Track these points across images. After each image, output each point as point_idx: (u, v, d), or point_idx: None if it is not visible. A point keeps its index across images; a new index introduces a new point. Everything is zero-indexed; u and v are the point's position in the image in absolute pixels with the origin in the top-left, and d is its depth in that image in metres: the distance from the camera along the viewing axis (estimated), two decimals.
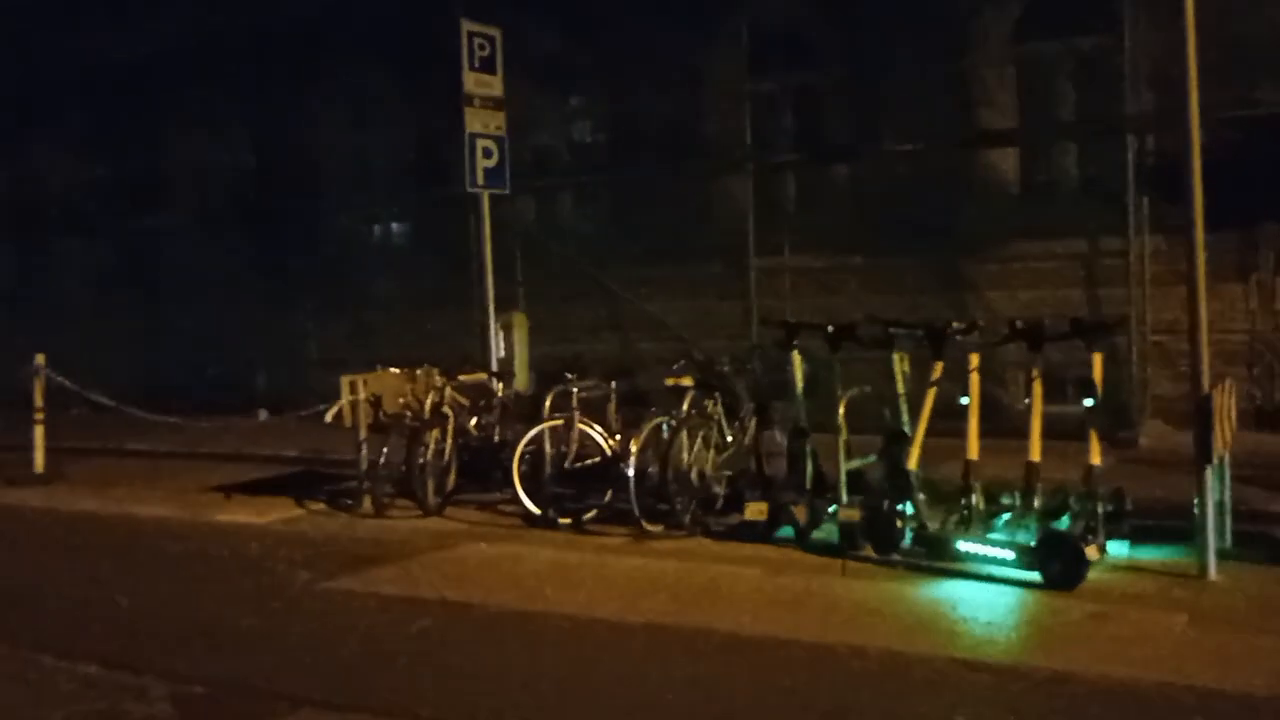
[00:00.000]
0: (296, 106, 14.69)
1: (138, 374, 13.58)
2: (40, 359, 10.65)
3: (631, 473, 7.38)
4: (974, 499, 6.36)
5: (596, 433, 7.96)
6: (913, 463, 6.52)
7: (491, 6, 10.23)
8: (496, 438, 8.79)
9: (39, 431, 10.54)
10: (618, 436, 7.89)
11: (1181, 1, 5.98)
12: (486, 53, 9.92)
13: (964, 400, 6.44)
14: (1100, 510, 6.24)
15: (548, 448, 8.12)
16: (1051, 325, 6.51)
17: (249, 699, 4.82)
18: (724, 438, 7.79)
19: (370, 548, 7.49)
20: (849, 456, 6.96)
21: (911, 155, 10.85)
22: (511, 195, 10.55)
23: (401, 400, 8.66)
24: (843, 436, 6.92)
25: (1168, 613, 5.46)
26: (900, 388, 6.91)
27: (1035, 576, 5.91)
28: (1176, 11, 6.02)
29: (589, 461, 8.02)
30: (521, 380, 10.13)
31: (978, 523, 6.33)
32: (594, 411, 8.15)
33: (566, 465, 8.08)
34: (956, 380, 6.47)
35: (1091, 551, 6.00)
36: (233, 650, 5.55)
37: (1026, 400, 6.37)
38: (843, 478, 6.92)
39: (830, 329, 7.11)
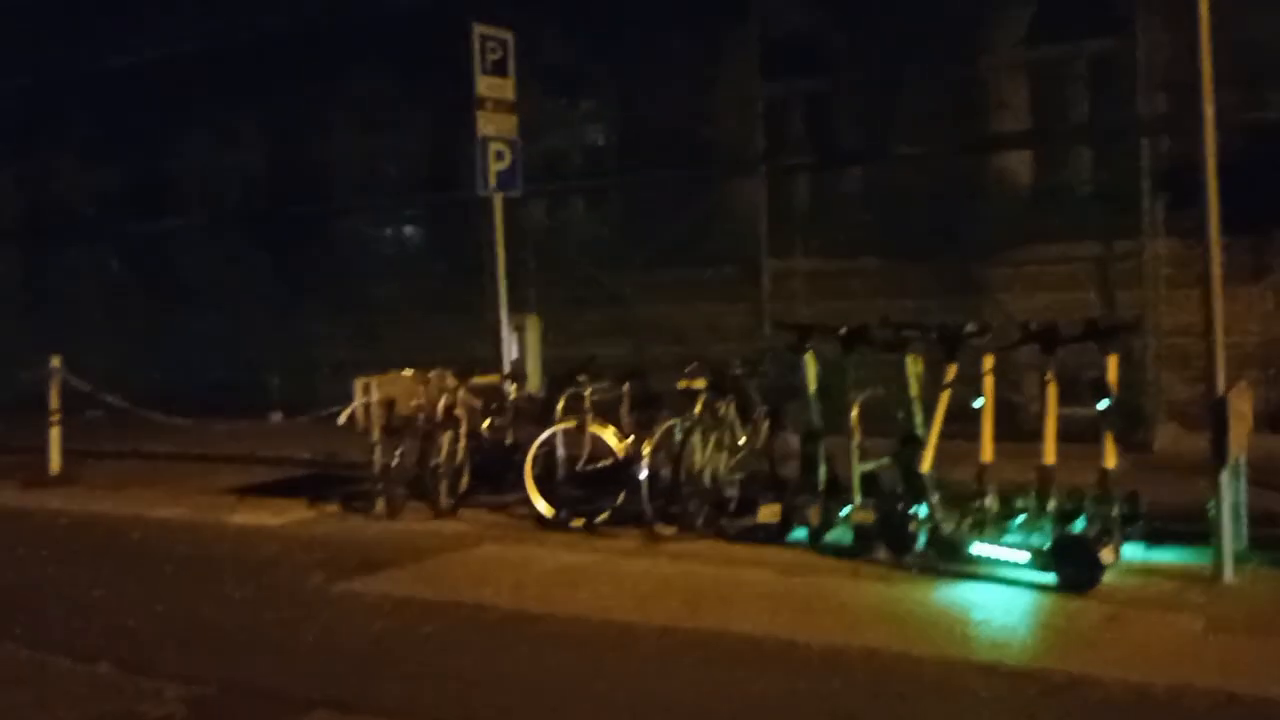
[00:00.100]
0: (307, 110, 14.73)
1: (152, 376, 13.63)
2: (56, 362, 10.71)
3: (644, 475, 7.39)
4: (988, 502, 6.35)
5: (609, 435, 7.96)
6: (926, 465, 6.50)
7: (504, 10, 10.25)
8: (509, 440, 8.80)
9: (55, 434, 10.59)
10: (630, 439, 7.89)
11: (1194, 4, 5.96)
12: (499, 56, 9.94)
13: (978, 403, 6.43)
14: (1115, 513, 6.21)
15: (560, 450, 8.13)
16: (1066, 328, 6.49)
17: (262, 701, 4.83)
18: (737, 440, 7.78)
19: (383, 550, 7.50)
20: (862, 459, 6.95)
21: (924, 159, 10.82)
22: (524, 198, 10.56)
23: (414, 403, 8.68)
24: (856, 439, 6.91)
25: (1183, 616, 5.44)
26: (914, 390, 6.90)
27: (1050, 579, 5.90)
28: (1189, 14, 6.01)
29: (601, 464, 8.03)
30: (534, 382, 10.14)
31: (992, 525, 6.31)
32: (606, 414, 8.15)
33: (579, 467, 8.10)
34: (970, 383, 6.46)
35: (1106, 554, 5.97)
36: (246, 652, 5.56)
37: (1041, 403, 6.35)
38: (856, 480, 6.91)
39: (843, 331, 7.10)
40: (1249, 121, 8.83)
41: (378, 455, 8.57)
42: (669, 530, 7.38)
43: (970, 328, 6.69)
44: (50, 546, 8.32)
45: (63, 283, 17.25)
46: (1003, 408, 6.72)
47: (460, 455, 8.54)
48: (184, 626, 6.04)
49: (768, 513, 7.19)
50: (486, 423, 8.90)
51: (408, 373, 8.81)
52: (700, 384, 7.75)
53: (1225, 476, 5.90)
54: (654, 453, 7.47)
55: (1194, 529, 6.25)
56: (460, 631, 5.73)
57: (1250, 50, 8.76)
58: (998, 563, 6.14)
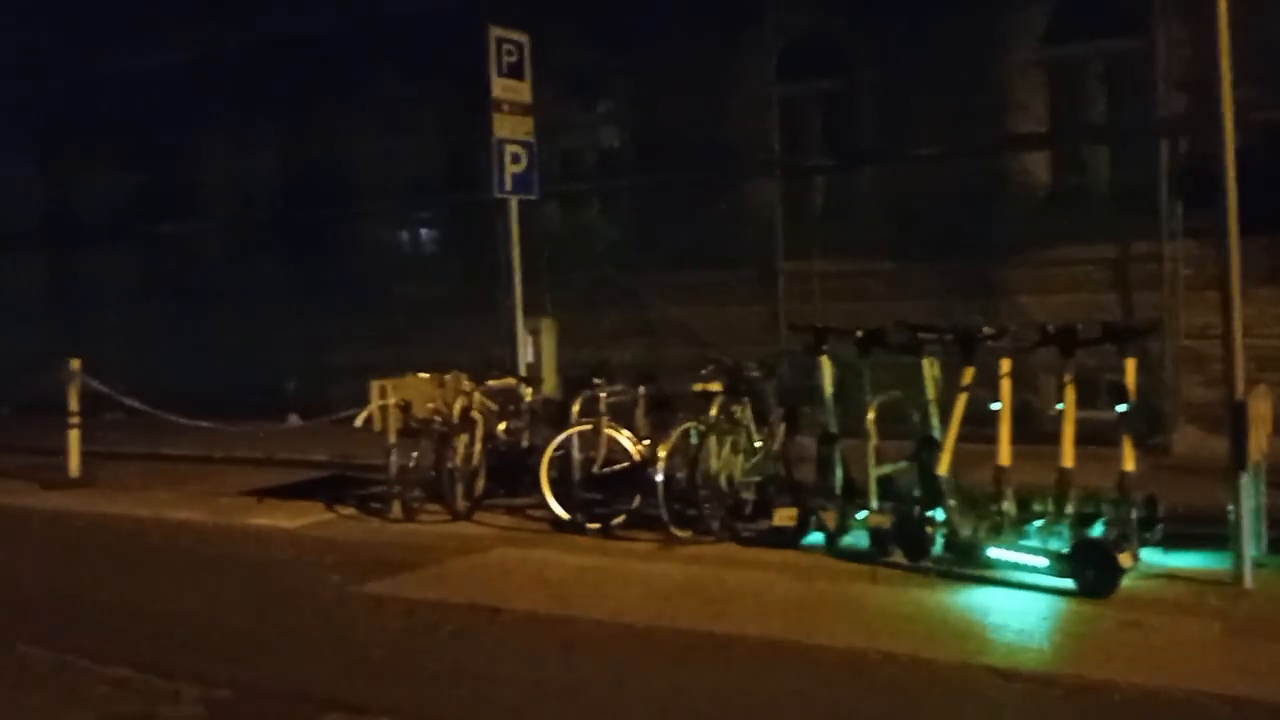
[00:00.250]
0: (326, 114, 14.79)
1: (170, 379, 13.67)
2: (75, 364, 10.77)
3: (660, 478, 7.38)
4: (1006, 505, 6.31)
5: (625, 438, 7.96)
6: (944, 468, 6.48)
7: (520, 12, 10.26)
8: (525, 443, 8.82)
9: (74, 436, 10.65)
10: (646, 441, 7.88)
11: (1213, 3, 5.92)
12: (515, 59, 9.95)
13: (995, 406, 6.40)
14: (1134, 517, 6.17)
15: (576, 453, 8.13)
16: (1084, 330, 6.45)
17: (279, 702, 4.85)
18: (752, 443, 7.77)
19: (400, 552, 7.52)
20: (879, 462, 6.93)
21: (940, 160, 10.80)
22: (539, 200, 10.57)
23: (430, 405, 8.69)
24: (872, 442, 6.89)
25: (1202, 621, 5.41)
26: (930, 393, 6.88)
27: (1068, 584, 5.87)
28: (1208, 13, 5.97)
29: (617, 466, 8.02)
30: (549, 385, 10.15)
31: (1010, 529, 6.28)
32: (622, 416, 8.15)
33: (595, 470, 8.09)
34: (987, 386, 6.43)
35: (1125, 559, 5.93)
36: (264, 654, 5.58)
37: (1059, 406, 6.32)
38: (873, 483, 6.89)
39: (859, 334, 7.09)
40: (1269, 121, 8.76)
41: (394, 458, 8.59)
42: (685, 533, 7.38)
43: (987, 330, 6.67)
44: (69, 548, 8.38)
45: (83, 285, 17.38)
46: (1020, 410, 6.69)
47: (476, 458, 8.55)
48: (202, 628, 6.06)
49: (784, 516, 7.18)
50: (502, 425, 8.91)
51: (424, 375, 8.83)
52: (716, 387, 7.74)
53: (1244, 480, 5.87)
54: (670, 456, 7.46)
55: (1213, 533, 6.22)
56: (476, 634, 5.74)
57: (1270, 49, 8.70)
58: (1015, 567, 6.12)
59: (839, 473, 7.10)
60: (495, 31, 9.84)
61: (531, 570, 6.98)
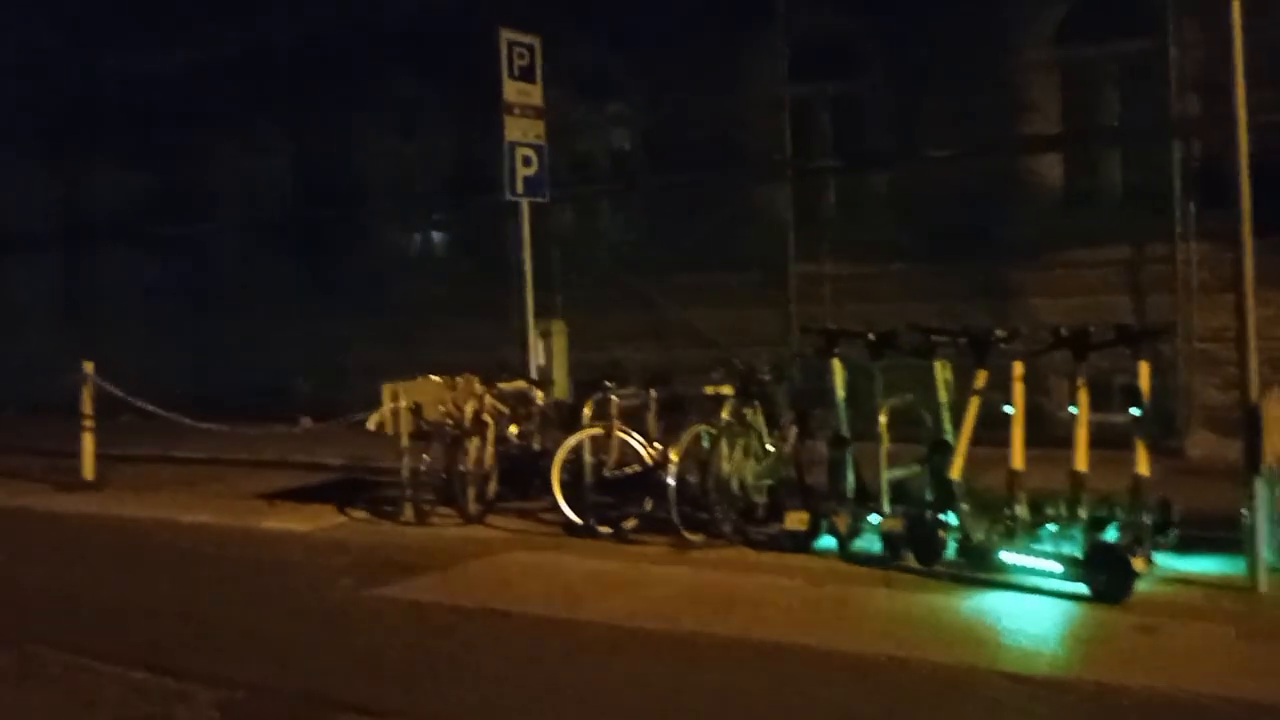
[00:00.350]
0: (339, 117, 14.84)
1: (184, 381, 13.75)
2: (88, 367, 10.81)
3: (672, 481, 7.38)
4: (1019, 509, 6.29)
5: (636, 441, 7.95)
6: (956, 472, 6.46)
7: (532, 14, 10.28)
8: (536, 446, 8.82)
9: (87, 438, 10.70)
10: (657, 445, 7.88)
11: (1227, 4, 5.90)
12: (526, 61, 9.96)
13: (1008, 409, 6.38)
14: (1148, 521, 6.16)
15: (587, 456, 8.13)
16: (1097, 333, 6.43)
17: (292, 704, 4.86)
18: (764, 446, 7.76)
19: (412, 555, 7.53)
20: (891, 465, 6.92)
21: (953, 161, 10.78)
22: (551, 203, 10.59)
23: (442, 408, 8.70)
24: (884, 445, 6.88)
25: (1217, 625, 5.39)
26: (943, 396, 6.86)
27: (1082, 588, 5.84)
28: (1222, 15, 5.94)
29: (629, 470, 8.02)
30: (561, 388, 10.14)
31: (1023, 534, 6.25)
32: (633, 420, 8.14)
33: (606, 473, 8.08)
34: (1000, 389, 6.41)
35: (1139, 563, 5.91)
36: (276, 657, 5.59)
37: (1072, 409, 6.30)
38: (885, 487, 6.87)
39: (871, 337, 7.08)
40: None
41: (406, 461, 8.60)
42: (696, 537, 7.37)
43: (1000, 333, 6.65)
44: (83, 550, 8.41)
45: (94, 287, 17.47)
46: (1033, 414, 6.66)
47: (488, 461, 8.56)
48: (215, 631, 6.08)
49: (795, 520, 7.16)
50: (514, 428, 8.91)
51: (435, 378, 8.84)
52: (727, 389, 7.74)
53: (1259, 484, 5.83)
54: (681, 459, 7.45)
55: (1227, 537, 6.18)
56: (488, 637, 5.74)
57: None
58: (1028, 571, 6.09)
59: (851, 476, 7.09)
60: (506, 34, 9.85)
61: (543, 573, 6.98)
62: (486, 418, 8.67)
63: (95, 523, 9.29)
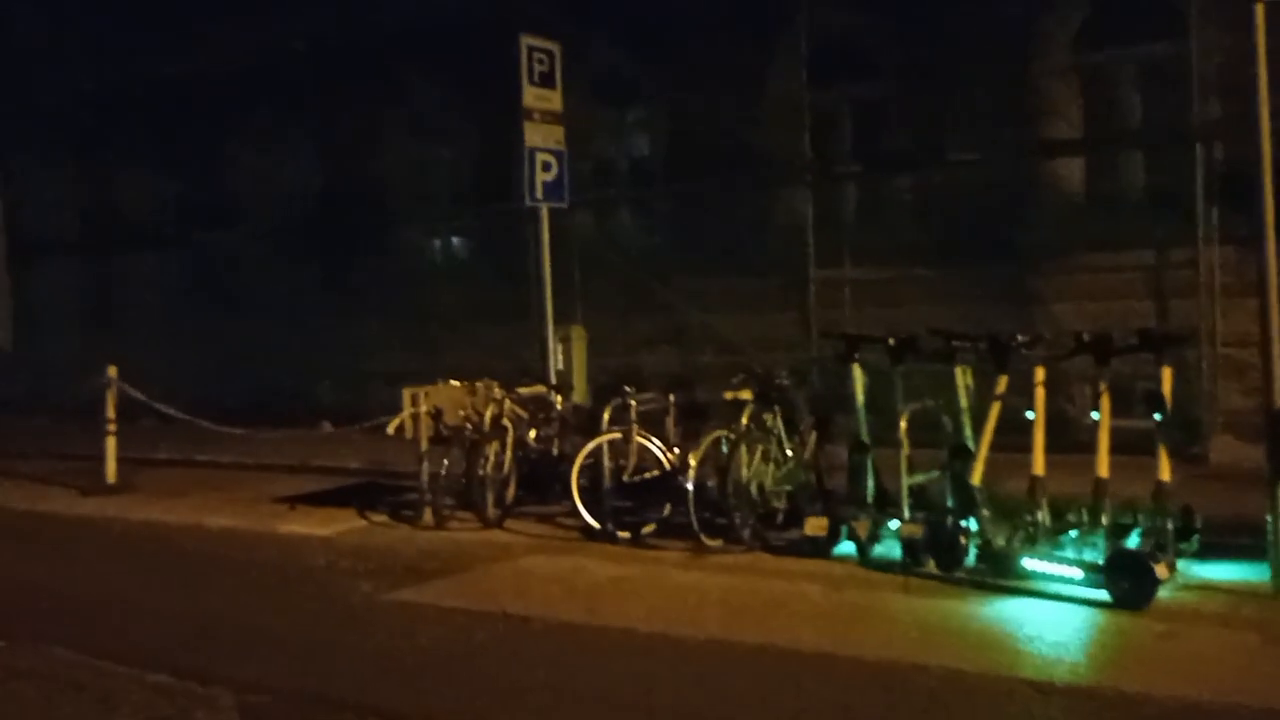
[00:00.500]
0: (361, 123, 14.92)
1: (205, 385, 13.82)
2: (112, 371, 10.90)
3: (690, 486, 7.38)
4: (1040, 515, 6.26)
5: (655, 446, 7.96)
6: (977, 478, 6.44)
7: (552, 20, 10.30)
8: (555, 450, 8.82)
9: (110, 443, 10.77)
10: (676, 450, 7.88)
11: (1250, 7, 5.86)
12: (546, 67, 9.99)
13: (1029, 414, 6.35)
14: (1170, 527, 6.11)
15: (606, 461, 8.13)
16: (1119, 338, 6.39)
17: (314, 708, 4.88)
18: (784, 452, 7.75)
19: (431, 560, 7.55)
20: (911, 471, 6.89)
21: (974, 165, 10.74)
22: (570, 208, 10.61)
23: (462, 413, 8.74)
24: (904, 451, 6.85)
25: (1240, 632, 5.35)
26: (963, 402, 6.82)
27: (1104, 595, 5.81)
28: (1245, 18, 5.91)
29: (648, 475, 8.03)
30: (580, 393, 10.16)
31: (1044, 540, 6.22)
32: (652, 424, 8.15)
33: (625, 478, 8.10)
34: (1021, 394, 6.38)
35: (1161, 569, 5.87)
36: (297, 660, 5.62)
37: (1094, 414, 6.26)
38: (905, 493, 6.84)
39: (891, 342, 7.05)
40: None
41: (425, 465, 8.63)
42: (715, 542, 7.36)
43: (1021, 338, 6.62)
44: (106, 554, 8.47)
45: (121, 293, 17.60)
46: (1055, 419, 6.63)
47: (507, 466, 8.57)
48: (236, 634, 6.11)
49: (815, 525, 7.15)
50: (533, 433, 8.92)
51: (455, 383, 8.87)
52: (747, 395, 7.73)
53: None
54: (700, 464, 7.45)
55: (1250, 543, 6.15)
56: (507, 642, 5.75)
57: None
58: (1050, 578, 6.06)
59: (871, 482, 7.07)
60: (527, 40, 9.88)
61: (562, 578, 6.99)
62: (506, 422, 8.70)
63: (117, 526, 9.35)
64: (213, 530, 8.99)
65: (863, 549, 6.94)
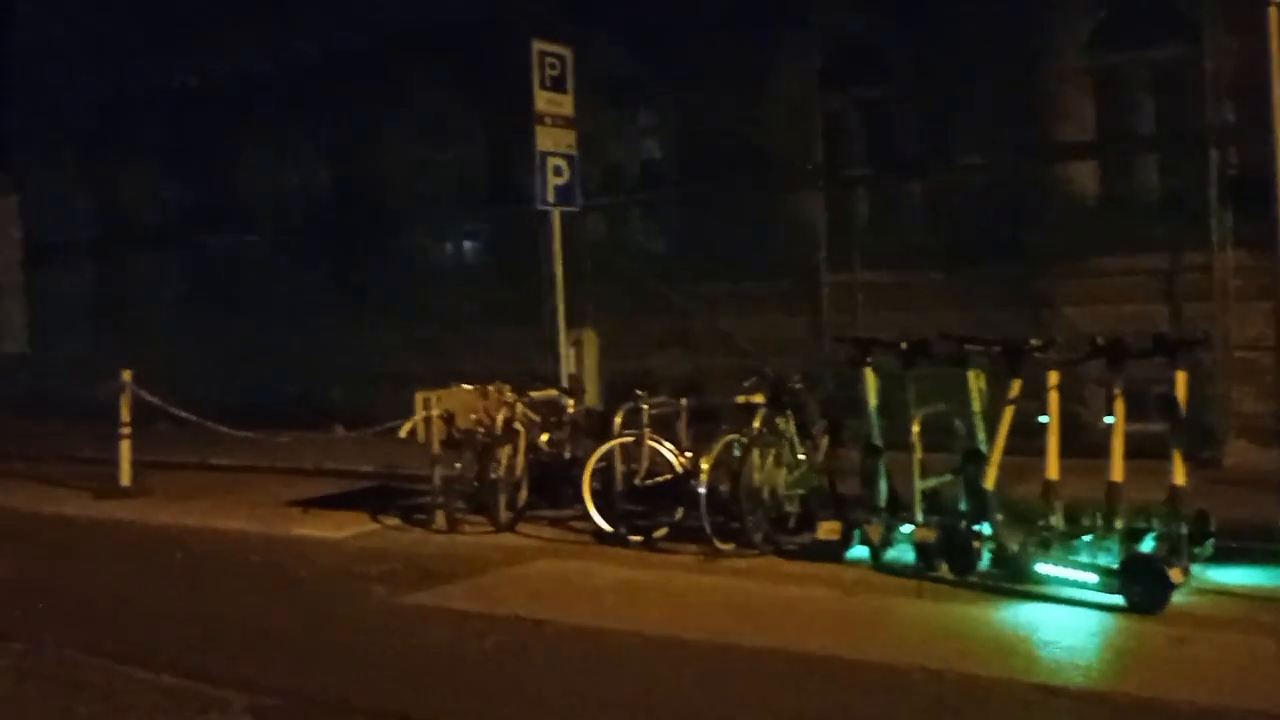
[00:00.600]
0: (371, 126, 14.95)
1: (216, 388, 13.86)
2: (126, 375, 10.94)
3: (703, 490, 7.37)
4: (1054, 520, 6.24)
5: (667, 450, 7.95)
6: (990, 482, 6.42)
7: (562, 24, 10.32)
8: (567, 454, 8.82)
9: (124, 446, 10.81)
10: (689, 454, 7.88)
11: (1263, 10, 5.85)
12: (557, 72, 10.01)
13: (1043, 419, 6.33)
14: (1184, 532, 6.08)
15: (618, 465, 8.14)
16: (1133, 342, 6.37)
17: (326, 712, 4.90)
18: (796, 455, 7.74)
19: (443, 563, 7.56)
20: (924, 475, 6.88)
21: (986, 168, 10.71)
22: (582, 212, 10.61)
23: (474, 416, 8.74)
24: (917, 455, 6.84)
25: (1255, 637, 5.32)
26: (976, 406, 6.81)
27: (1118, 600, 5.79)
28: (1258, 20, 5.89)
29: (660, 479, 8.02)
30: (592, 397, 10.16)
31: (1058, 544, 6.20)
32: (665, 428, 8.15)
33: (637, 482, 8.09)
34: (1035, 398, 6.36)
35: (1175, 574, 5.84)
36: (310, 664, 5.63)
37: (1107, 419, 6.24)
38: (918, 497, 6.83)
39: (904, 346, 7.03)
40: None
41: (438, 469, 8.64)
42: (728, 546, 7.35)
43: (1034, 342, 6.60)
44: (119, 557, 8.51)
45: (133, 296, 17.66)
46: (1068, 423, 6.61)
47: (519, 469, 8.58)
48: (250, 637, 6.13)
49: (827, 530, 7.14)
50: (545, 437, 8.93)
51: (467, 387, 8.88)
52: (759, 398, 7.72)
53: None
54: (713, 468, 7.43)
55: (1265, 548, 6.13)
56: (519, 645, 5.75)
57: None
58: (1064, 582, 6.04)
59: (883, 486, 7.05)
60: (538, 45, 9.90)
61: (574, 582, 6.99)
62: (518, 426, 8.70)
63: (132, 529, 9.39)
64: (226, 533, 9.01)
65: (875, 553, 6.92)
